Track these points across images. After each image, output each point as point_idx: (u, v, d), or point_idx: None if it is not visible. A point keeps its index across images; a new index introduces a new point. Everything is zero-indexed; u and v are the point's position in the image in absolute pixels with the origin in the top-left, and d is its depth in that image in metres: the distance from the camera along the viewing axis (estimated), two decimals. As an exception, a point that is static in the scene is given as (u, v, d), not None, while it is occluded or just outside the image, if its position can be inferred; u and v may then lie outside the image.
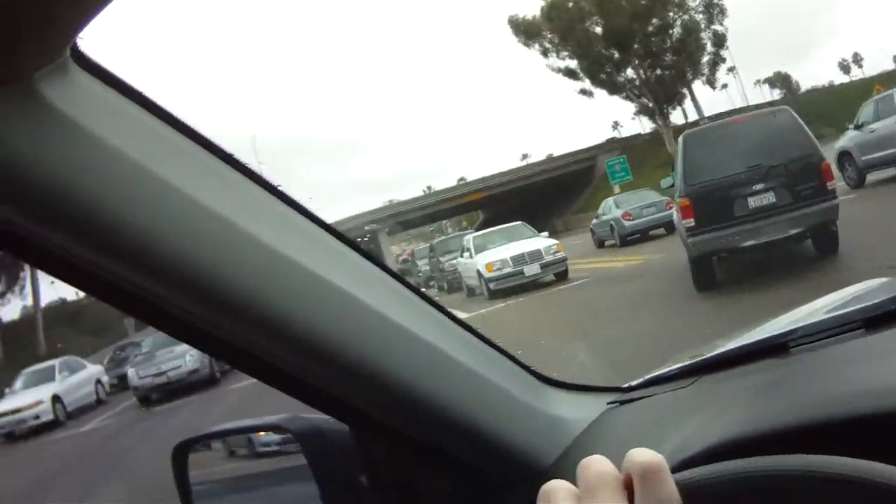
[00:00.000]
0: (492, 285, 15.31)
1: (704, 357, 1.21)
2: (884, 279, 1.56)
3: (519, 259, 15.28)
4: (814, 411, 0.82)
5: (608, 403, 1.16)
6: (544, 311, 12.20)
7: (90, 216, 0.61)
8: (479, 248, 16.80)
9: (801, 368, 1.04)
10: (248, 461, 1.31)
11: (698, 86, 41.32)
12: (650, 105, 39.37)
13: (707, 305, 8.17)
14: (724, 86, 59.29)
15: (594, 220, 22.77)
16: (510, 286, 15.03)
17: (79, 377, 19.30)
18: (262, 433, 1.23)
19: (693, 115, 41.82)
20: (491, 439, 0.94)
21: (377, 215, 44.47)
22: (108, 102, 0.65)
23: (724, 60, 40.81)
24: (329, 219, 0.83)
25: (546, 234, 17.10)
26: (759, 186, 8.32)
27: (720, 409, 0.96)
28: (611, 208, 21.06)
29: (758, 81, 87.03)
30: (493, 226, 19.78)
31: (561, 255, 15.31)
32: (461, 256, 18.12)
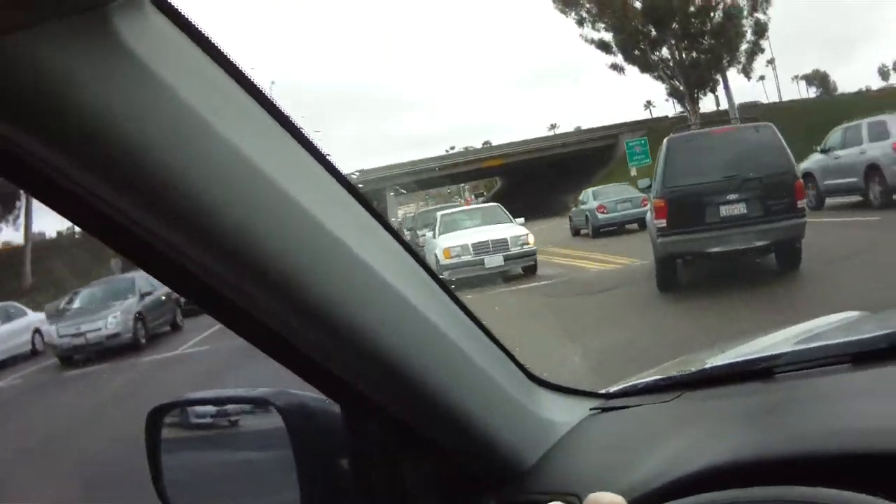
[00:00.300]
0: (445, 274, 12.82)
1: (689, 372, 1.23)
2: (862, 312, 1.61)
3: (481, 247, 13.89)
4: (800, 444, 0.84)
5: (591, 409, 1.18)
6: (493, 315, 10.13)
7: (135, 156, 0.61)
8: (447, 228, 15.35)
9: (787, 397, 1.05)
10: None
11: (733, 74, 40.91)
12: (681, 88, 39.26)
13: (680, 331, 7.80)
14: (762, 78, 58.77)
15: (573, 208, 23.39)
16: (467, 277, 13.08)
17: (12, 326, 17.97)
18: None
19: (725, 104, 41.70)
20: (480, 432, 0.95)
21: (393, 171, 44.20)
22: (178, 46, 0.64)
23: (762, 51, 40.30)
24: (343, 171, 0.83)
25: (522, 220, 15.82)
26: (732, 196, 8.83)
27: (704, 431, 0.97)
28: (589, 198, 21.73)
29: (795, 77, 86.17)
30: (509, 194, 19.26)
31: (530, 247, 14.01)
32: (429, 233, 16.39)
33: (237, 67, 0.69)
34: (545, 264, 14.49)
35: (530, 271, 14.17)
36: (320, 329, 0.78)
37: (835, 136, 15.69)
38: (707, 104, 41.41)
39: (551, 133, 51.64)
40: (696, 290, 9.44)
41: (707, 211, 8.88)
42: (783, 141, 9.13)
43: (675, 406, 1.11)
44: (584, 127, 48.82)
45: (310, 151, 0.77)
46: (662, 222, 9.01)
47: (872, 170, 14.00)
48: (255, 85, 0.71)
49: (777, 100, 47.74)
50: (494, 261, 13.82)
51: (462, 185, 74.63)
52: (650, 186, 9.82)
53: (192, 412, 1.22)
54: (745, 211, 8.82)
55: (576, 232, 22.42)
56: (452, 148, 55.91)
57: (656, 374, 1.28)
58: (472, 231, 14.80)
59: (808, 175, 14.72)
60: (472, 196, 62.85)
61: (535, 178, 43.21)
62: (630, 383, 1.25)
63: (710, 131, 9.93)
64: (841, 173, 14.85)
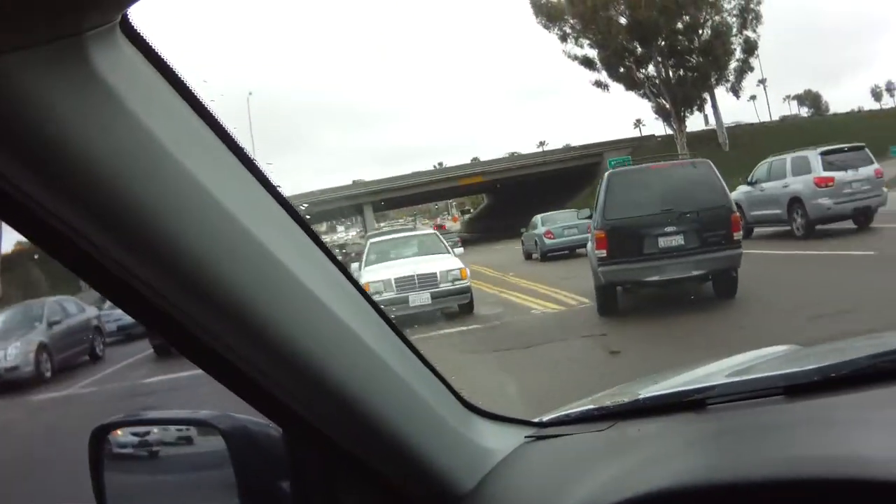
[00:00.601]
0: None
1: (623, 403, 1.26)
2: (793, 346, 1.66)
3: (405, 282, 12.34)
4: (735, 472, 0.88)
5: (526, 437, 1.22)
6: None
7: (101, 182, 0.64)
8: (377, 257, 13.95)
9: (721, 427, 1.09)
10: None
11: (721, 92, 41.45)
12: (667, 106, 39.66)
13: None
14: (753, 97, 59.33)
15: (524, 232, 23.96)
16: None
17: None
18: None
19: (713, 122, 42.19)
20: (417, 458, 1.00)
21: (372, 187, 44.62)
22: (145, 77, 0.69)
23: (751, 69, 40.77)
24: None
25: (461, 250, 14.75)
26: (670, 229, 9.22)
27: (638, 459, 1.01)
28: (538, 224, 22.36)
29: (787, 97, 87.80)
30: (496, 211, 18.38)
31: (463, 283, 12.35)
32: (354, 264, 14.98)
33: (199, 100, 0.75)
34: (487, 302, 13.11)
35: (466, 310, 12.58)
36: (268, 356, 0.83)
37: (761, 168, 16.51)
38: (697, 124, 41.84)
39: (539, 150, 51.82)
40: (637, 315, 9.81)
41: (646, 242, 9.26)
42: (719, 176, 9.57)
43: (609, 435, 1.16)
44: (574, 144, 48.77)
45: (264, 185, 0.82)
46: (603, 252, 9.39)
47: (795, 202, 14.87)
48: (215, 117, 0.77)
49: (767, 119, 48.16)
50: (419, 299, 12.21)
51: (450, 201, 74.74)
52: (590, 216, 10.25)
53: (114, 441, 1.22)
54: (683, 242, 9.20)
55: (527, 256, 22.97)
56: (440, 164, 55.80)
57: (590, 403, 1.32)
58: (399, 263, 13.28)
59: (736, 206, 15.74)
60: (459, 213, 62.79)
61: (521, 195, 43.34)
62: (564, 412, 1.30)
63: (649, 167, 10.35)
64: (766, 205, 15.65)
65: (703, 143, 37.86)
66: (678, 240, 9.24)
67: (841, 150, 15.14)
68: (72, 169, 0.63)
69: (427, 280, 12.46)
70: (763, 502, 0.78)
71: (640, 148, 39.73)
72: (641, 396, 1.31)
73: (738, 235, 9.31)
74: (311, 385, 0.87)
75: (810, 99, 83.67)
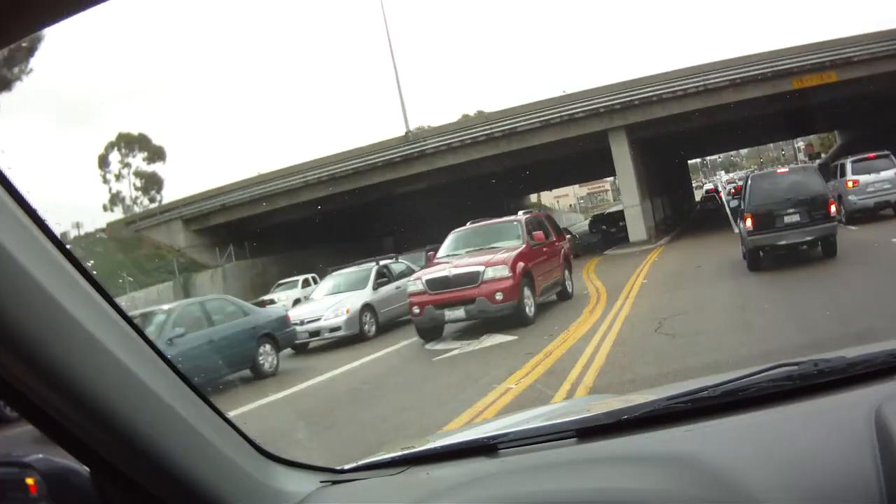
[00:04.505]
0: None
1: (415, 450, 1.49)
2: (597, 395, 2.89)
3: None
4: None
5: (321, 482, 1.42)
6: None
7: None
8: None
9: (511, 468, 1.30)
10: None
11: None
12: None
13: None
14: None
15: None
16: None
17: None
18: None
19: None
20: (211, 500, 1.18)
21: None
22: None
23: None
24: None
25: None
26: (790, 210, 16.26)
27: (427, 495, 1.22)
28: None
29: None
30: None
31: None
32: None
33: (36, 212, 0.94)
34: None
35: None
36: (68, 402, 1.01)
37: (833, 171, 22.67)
38: None
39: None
40: (774, 269, 16.93)
41: (776, 219, 16.24)
42: (820, 175, 16.54)
43: (400, 478, 1.39)
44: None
45: (69, 259, 1.02)
46: (751, 227, 16.91)
47: (840, 197, 21.15)
48: (45, 222, 0.98)
49: None
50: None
51: (795, 142, 59.53)
52: (739, 205, 17.83)
53: None
54: (799, 219, 16.03)
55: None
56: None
57: (385, 452, 1.56)
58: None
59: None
60: (807, 158, 48.79)
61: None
62: (363, 461, 1.54)
63: (775, 171, 17.54)
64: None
65: None
66: (796, 217, 16.18)
67: (866, 159, 21.50)
68: None
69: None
70: None
71: None
72: (433, 445, 1.56)
73: (833, 214, 16.12)
74: (106, 429, 1.04)
75: None
